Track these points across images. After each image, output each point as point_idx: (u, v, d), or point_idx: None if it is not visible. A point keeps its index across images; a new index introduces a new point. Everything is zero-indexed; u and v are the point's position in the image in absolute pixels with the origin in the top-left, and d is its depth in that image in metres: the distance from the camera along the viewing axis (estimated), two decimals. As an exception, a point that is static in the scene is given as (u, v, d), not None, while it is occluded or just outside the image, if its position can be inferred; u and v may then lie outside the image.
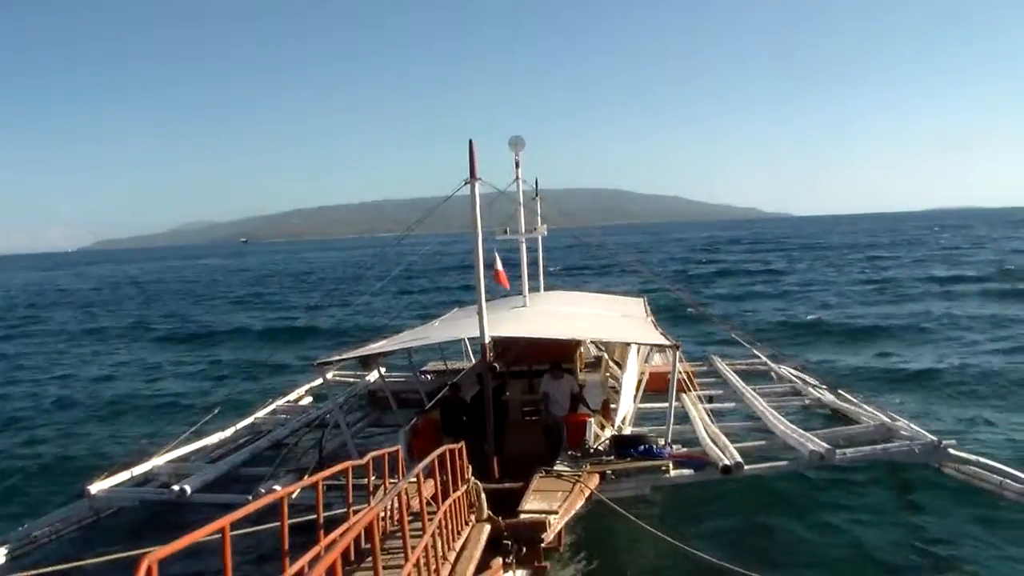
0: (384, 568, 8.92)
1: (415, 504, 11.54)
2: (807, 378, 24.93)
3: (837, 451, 16.04)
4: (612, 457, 16.16)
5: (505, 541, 12.49)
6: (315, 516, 10.57)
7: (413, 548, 9.28)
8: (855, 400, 21.84)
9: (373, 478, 13.07)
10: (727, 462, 15.63)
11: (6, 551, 15.32)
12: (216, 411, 21.80)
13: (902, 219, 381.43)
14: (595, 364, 24.13)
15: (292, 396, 25.96)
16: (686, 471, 16.11)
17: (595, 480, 15.08)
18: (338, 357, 20.79)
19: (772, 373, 26.43)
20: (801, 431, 17.40)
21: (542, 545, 12.66)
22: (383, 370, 23.46)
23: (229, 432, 21.47)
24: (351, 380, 26.67)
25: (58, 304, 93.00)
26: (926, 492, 17.99)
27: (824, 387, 23.57)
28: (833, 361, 35.36)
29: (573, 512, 13.79)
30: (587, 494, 14.46)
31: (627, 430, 18.35)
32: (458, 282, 75.00)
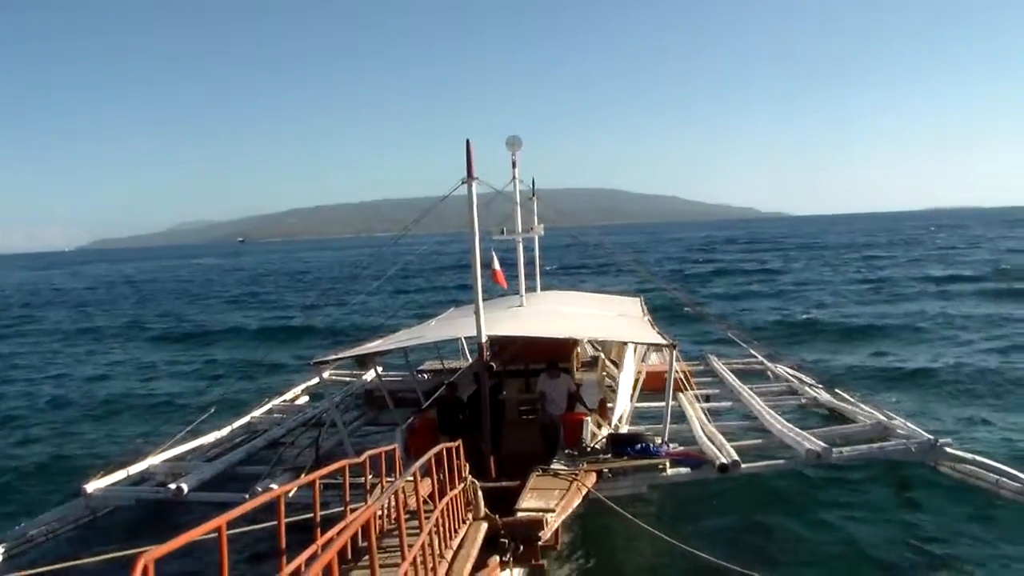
0: (381, 567, 8.91)
1: (412, 503, 11.53)
2: (803, 377, 24.96)
3: (834, 450, 16.06)
4: (609, 456, 16.15)
5: (502, 539, 12.47)
6: (312, 515, 10.56)
7: (410, 547, 9.27)
8: (851, 399, 21.87)
9: (370, 477, 13.06)
10: (724, 460, 15.64)
11: (2, 550, 15.28)
12: (212, 410, 21.80)
13: (899, 219, 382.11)
14: (591, 364, 24.14)
15: (288, 395, 25.94)
16: (683, 469, 16.12)
17: (592, 479, 15.07)
18: (334, 356, 20.78)
19: (768, 372, 26.43)
20: (798, 430, 17.41)
21: (539, 543, 12.64)
22: (380, 369, 23.45)
23: (225, 431, 21.44)
24: (347, 379, 26.65)
25: (53, 303, 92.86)
26: (923, 490, 18.03)
27: (820, 386, 23.60)
28: (829, 360, 35.39)
29: (570, 510, 13.78)
30: (584, 492, 14.45)
31: (624, 429, 18.36)
32: (455, 281, 75.11)
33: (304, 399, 26.14)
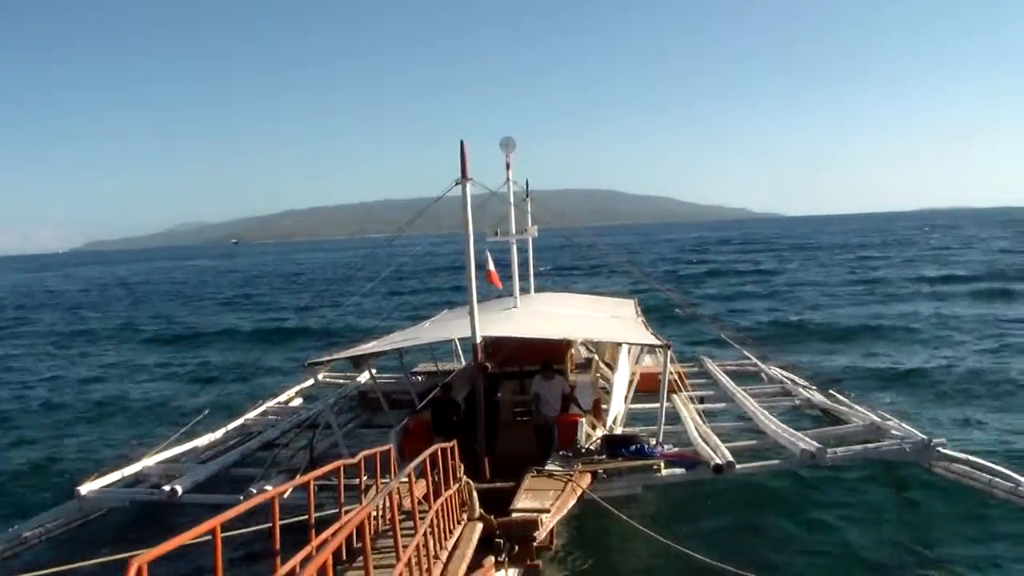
0: (376, 567, 8.91)
1: (407, 503, 11.53)
2: (797, 379, 24.99)
3: (828, 450, 16.08)
4: (604, 457, 16.15)
5: (497, 540, 12.49)
6: (306, 516, 10.55)
7: (405, 547, 9.27)
8: (845, 400, 21.91)
9: (365, 478, 13.06)
10: (719, 461, 15.67)
11: (-5, 552, 15.29)
12: (206, 412, 21.80)
13: (893, 219, 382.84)
14: (585, 365, 24.15)
15: (283, 397, 25.87)
16: (678, 470, 16.13)
17: (587, 479, 15.07)
18: (328, 357, 20.77)
19: (762, 374, 26.45)
20: (792, 431, 17.44)
21: (534, 544, 12.66)
22: (374, 371, 23.44)
23: (219, 433, 21.40)
24: (341, 381, 26.63)
25: (46, 305, 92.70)
26: (916, 491, 18.08)
27: (814, 387, 23.63)
28: (823, 361, 35.45)
29: (565, 511, 13.79)
30: (579, 493, 14.46)
31: (618, 430, 18.36)
32: (449, 283, 75.11)
33: (298, 401, 26.09)
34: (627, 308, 26.75)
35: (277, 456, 18.68)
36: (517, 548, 12.54)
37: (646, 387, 21.01)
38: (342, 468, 11.64)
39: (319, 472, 11.02)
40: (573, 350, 23.27)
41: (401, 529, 9.77)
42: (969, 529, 16.21)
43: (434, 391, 18.76)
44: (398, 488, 10.59)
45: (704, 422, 19.12)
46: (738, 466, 15.78)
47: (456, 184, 16.22)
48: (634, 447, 16.28)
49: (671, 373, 18.45)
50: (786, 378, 25.19)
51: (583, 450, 16.41)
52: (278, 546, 9.01)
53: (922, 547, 15.64)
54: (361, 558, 8.99)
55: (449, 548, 11.54)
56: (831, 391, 22.99)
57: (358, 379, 25.27)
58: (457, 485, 13.12)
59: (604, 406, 19.27)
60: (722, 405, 22.19)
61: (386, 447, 14.02)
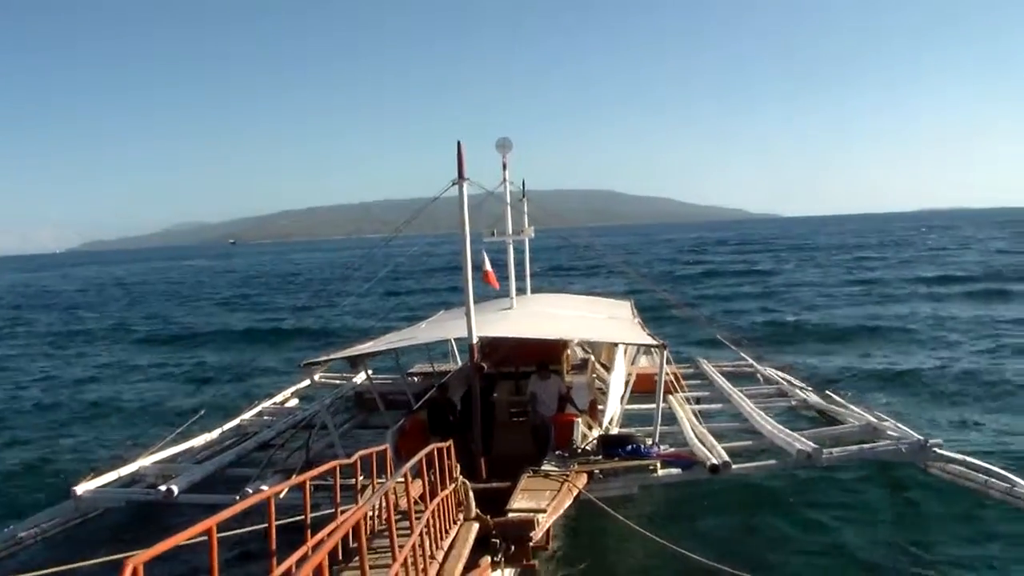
0: (372, 568, 8.91)
1: (403, 503, 11.53)
2: (793, 380, 24.99)
3: (824, 451, 16.08)
4: (600, 457, 16.16)
5: (493, 540, 12.48)
6: (302, 516, 10.55)
7: (401, 547, 9.27)
8: (841, 401, 21.93)
9: (361, 478, 13.05)
10: (715, 461, 15.67)
11: (-9, 552, 15.28)
12: (202, 413, 21.80)
13: (890, 220, 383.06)
14: (582, 366, 24.14)
15: (279, 398, 25.87)
16: (674, 470, 16.14)
17: (583, 479, 15.08)
18: (325, 358, 20.75)
19: (758, 375, 26.44)
20: (788, 431, 17.44)
21: (530, 543, 12.65)
22: (370, 372, 23.43)
23: (215, 433, 21.38)
24: (338, 382, 26.62)
25: (42, 306, 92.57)
26: (913, 491, 18.11)
27: (810, 388, 23.65)
28: (819, 362, 35.48)
29: (561, 511, 13.80)
30: (575, 493, 14.46)
31: (614, 431, 18.38)
32: (445, 283, 75.05)
33: (294, 401, 26.09)
34: (623, 309, 26.75)
35: (273, 456, 18.67)
36: (513, 548, 12.54)
37: (642, 388, 21.01)
38: (338, 468, 11.64)
39: (315, 472, 11.01)
40: (569, 351, 23.28)
41: (397, 529, 9.77)
42: (965, 529, 16.23)
43: (430, 391, 18.76)
44: (394, 488, 10.59)
45: (700, 422, 19.12)
46: (734, 466, 15.79)
47: (453, 184, 16.23)
48: (630, 447, 16.29)
49: (667, 374, 18.46)
50: (782, 379, 25.20)
51: (579, 450, 16.43)
52: (274, 546, 9.01)
53: (918, 547, 15.65)
54: (357, 558, 8.99)
55: (445, 548, 11.54)
56: (827, 392, 23.02)
57: (354, 379, 25.25)
58: (453, 485, 13.12)
59: (600, 407, 19.28)
60: (718, 406, 22.17)
61: (382, 447, 14.02)
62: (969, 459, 16.85)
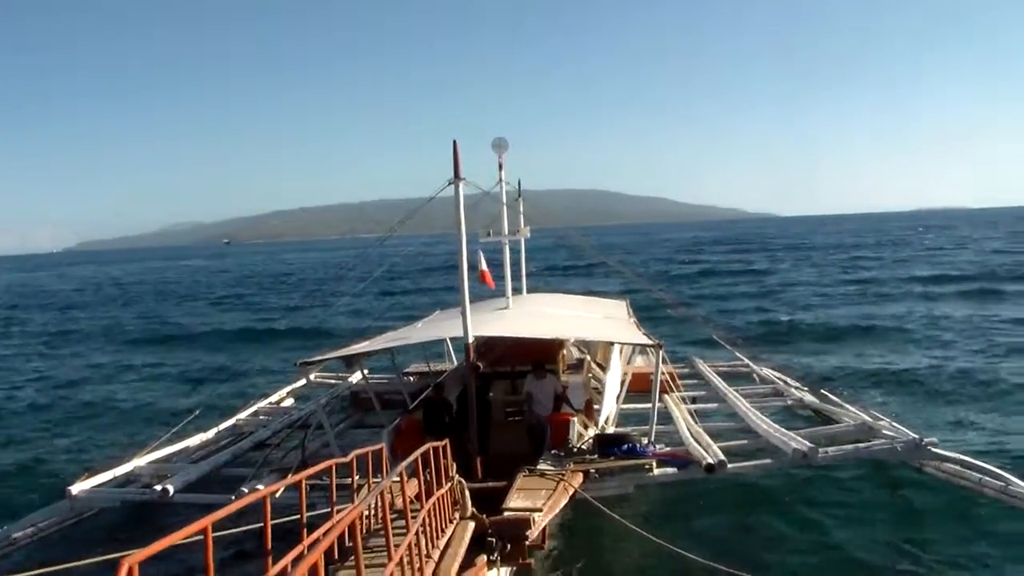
0: (368, 567, 8.91)
1: (399, 502, 11.53)
2: (788, 379, 25.04)
3: (820, 450, 16.11)
4: (596, 456, 16.17)
5: (490, 538, 12.47)
6: (298, 516, 10.55)
7: (397, 546, 9.27)
8: (837, 400, 21.96)
9: (356, 477, 13.05)
10: (711, 460, 15.68)
11: (-14, 552, 15.25)
12: (197, 412, 21.78)
13: (887, 219, 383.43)
14: (577, 366, 24.16)
15: (274, 397, 25.85)
16: (670, 470, 16.16)
17: (579, 479, 15.07)
18: (320, 357, 20.73)
19: (754, 374, 26.48)
20: (784, 430, 17.46)
21: (526, 542, 12.65)
22: (366, 371, 23.42)
23: (211, 433, 21.38)
24: (333, 381, 26.60)
25: (38, 305, 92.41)
26: (908, 490, 18.13)
27: (806, 388, 23.68)
28: (815, 362, 35.52)
29: (557, 510, 13.79)
30: (571, 493, 14.47)
31: (610, 430, 18.38)
32: (441, 283, 74.97)
33: (290, 401, 26.07)
34: (619, 309, 26.77)
35: (269, 456, 18.66)
36: (509, 547, 12.52)
37: (638, 387, 21.00)
38: (334, 467, 11.64)
39: (311, 471, 11.00)
40: (565, 350, 23.28)
41: (393, 528, 9.77)
42: (960, 528, 16.25)
43: (426, 391, 18.75)
44: (390, 487, 10.59)
45: (696, 422, 19.13)
46: (730, 465, 15.80)
47: (449, 184, 16.21)
48: (626, 446, 16.30)
49: (663, 373, 18.47)
50: (778, 378, 25.25)
51: (575, 449, 16.42)
52: (270, 546, 9.01)
53: (913, 546, 15.68)
54: (353, 557, 9.00)
55: (441, 547, 11.54)
56: (823, 391, 23.05)
57: (350, 379, 25.24)
58: (449, 484, 13.12)
59: (596, 406, 19.28)
60: (714, 405, 22.20)
61: (378, 446, 14.01)
62: (964, 458, 16.89)
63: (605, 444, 16.48)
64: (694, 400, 22.33)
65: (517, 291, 25.18)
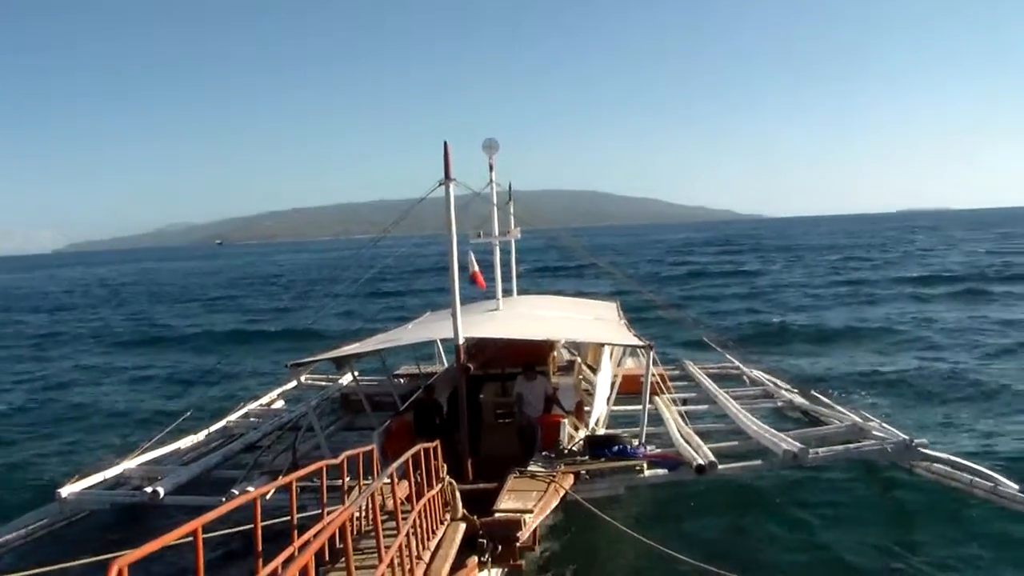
0: (358, 568, 8.90)
1: (389, 504, 11.52)
2: (779, 381, 25.08)
3: (810, 451, 16.15)
4: (586, 457, 16.19)
5: (480, 540, 12.49)
6: (289, 518, 10.54)
7: (387, 548, 9.27)
8: (827, 401, 22.03)
9: (347, 479, 13.04)
10: (701, 462, 15.72)
11: (-25, 555, 15.20)
12: (187, 414, 21.75)
13: (877, 220, 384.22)
14: (568, 368, 24.18)
15: (264, 399, 25.84)
16: (660, 471, 16.19)
17: (569, 480, 15.09)
18: (311, 359, 20.72)
19: (744, 376, 26.51)
20: (774, 431, 17.51)
21: (517, 544, 12.67)
22: (356, 373, 23.41)
23: (201, 435, 21.37)
24: (324, 383, 26.60)
25: (28, 307, 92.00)
26: (898, 491, 18.21)
27: (796, 390, 23.73)
28: (806, 363, 35.56)
29: (548, 511, 13.81)
30: (561, 494, 14.48)
31: (601, 431, 18.40)
32: (432, 285, 75.03)
33: (280, 403, 26.06)
34: (610, 310, 26.79)
35: (259, 458, 18.66)
36: (500, 548, 12.54)
37: (628, 389, 21.02)
38: (325, 469, 11.63)
39: (301, 473, 11.00)
40: (556, 352, 23.30)
41: (384, 530, 9.77)
42: (950, 529, 16.30)
43: (417, 393, 18.75)
44: (381, 489, 10.58)
45: (686, 423, 19.16)
46: (720, 467, 15.85)
47: (439, 185, 16.22)
48: (617, 448, 16.32)
49: (653, 374, 18.50)
50: (768, 380, 25.29)
51: (566, 451, 16.46)
52: (260, 547, 9.00)
53: (903, 547, 15.70)
54: (343, 559, 8.99)
55: (432, 548, 11.54)
56: (813, 392, 23.10)
57: (340, 381, 25.23)
58: (440, 485, 13.12)
59: (586, 408, 19.30)
60: (704, 407, 22.24)
61: (369, 448, 14.01)
62: (954, 459, 16.96)
63: (596, 445, 16.50)
64: (684, 402, 22.35)
65: (508, 292, 25.20)
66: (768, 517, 17.44)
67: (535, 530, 13.34)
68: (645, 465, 16.09)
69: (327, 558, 10.59)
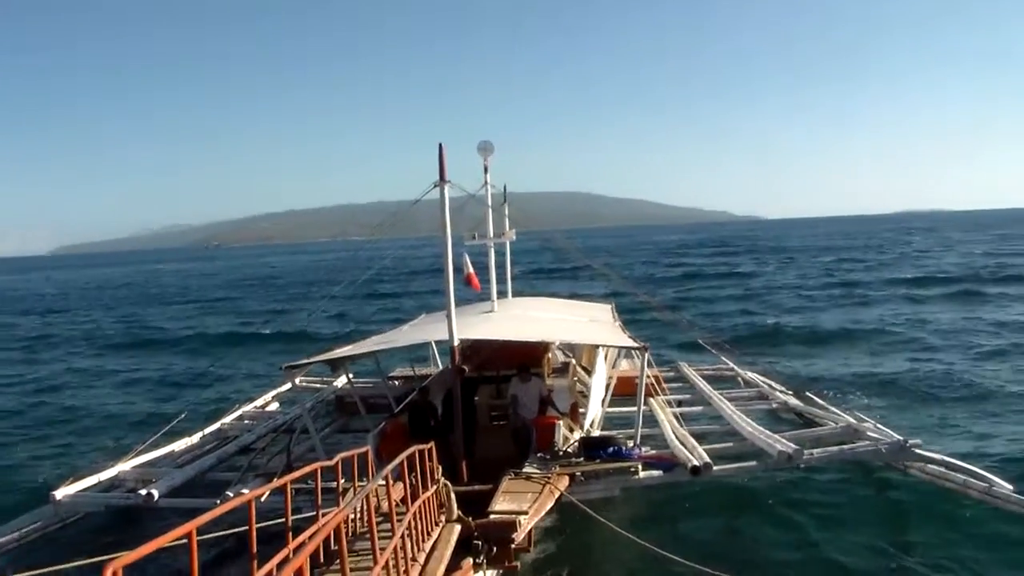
0: (353, 570, 8.90)
1: (384, 506, 11.52)
2: (773, 383, 25.10)
3: (805, 452, 16.19)
4: (581, 459, 16.20)
5: (475, 541, 12.49)
6: (283, 520, 10.53)
7: (382, 550, 9.26)
8: (822, 403, 22.07)
9: (342, 481, 13.04)
10: (696, 463, 15.75)
11: (-31, 558, 15.17)
12: (182, 416, 21.71)
13: (874, 222, 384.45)
14: (563, 369, 24.18)
15: (259, 402, 25.79)
16: (655, 472, 16.20)
17: (564, 482, 15.10)
18: (305, 361, 20.70)
19: (739, 378, 26.52)
20: (769, 432, 17.54)
21: (512, 545, 12.66)
22: (351, 375, 23.40)
23: (196, 438, 21.35)
24: (318, 386, 26.58)
25: (20, 309, 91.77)
26: (893, 492, 18.23)
27: (790, 391, 23.76)
28: (800, 365, 35.58)
29: (543, 513, 13.81)
30: (557, 496, 14.48)
31: (596, 433, 18.40)
32: (427, 286, 74.98)
33: (275, 405, 25.99)
34: (604, 312, 26.80)
35: (254, 460, 18.64)
36: (495, 550, 12.54)
37: (623, 391, 21.02)
38: (319, 471, 11.62)
39: (296, 475, 10.98)
40: (550, 354, 23.29)
41: (379, 531, 9.76)
42: (944, 529, 16.32)
43: (411, 395, 18.73)
44: (375, 491, 10.58)
45: (681, 425, 19.19)
46: (715, 468, 15.88)
47: (434, 187, 16.21)
48: (612, 449, 16.33)
49: (648, 376, 18.50)
50: (763, 382, 25.31)
51: (561, 452, 16.46)
52: (255, 549, 8.99)
53: (898, 548, 15.73)
54: (338, 561, 8.99)
55: (427, 550, 11.54)
56: (807, 394, 23.13)
57: (335, 383, 25.22)
58: (435, 487, 13.11)
59: (581, 409, 19.30)
60: (699, 408, 22.25)
61: (363, 450, 14.00)
62: (948, 459, 17.00)
63: (591, 447, 16.51)
64: (679, 403, 22.38)
65: (502, 294, 25.20)
66: (763, 518, 17.45)
67: (530, 532, 13.35)
68: (640, 466, 16.09)
69: (322, 560, 10.59)
